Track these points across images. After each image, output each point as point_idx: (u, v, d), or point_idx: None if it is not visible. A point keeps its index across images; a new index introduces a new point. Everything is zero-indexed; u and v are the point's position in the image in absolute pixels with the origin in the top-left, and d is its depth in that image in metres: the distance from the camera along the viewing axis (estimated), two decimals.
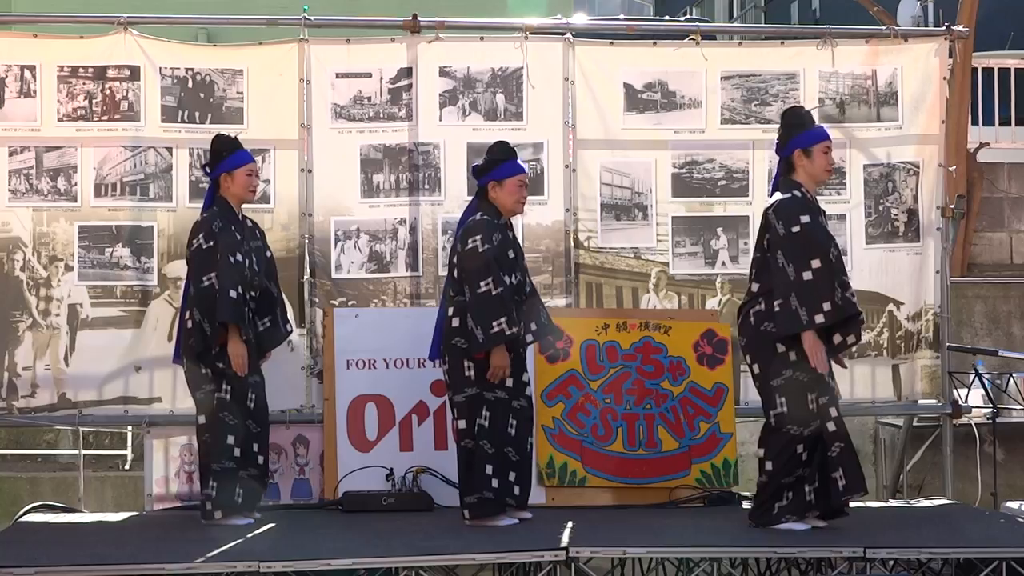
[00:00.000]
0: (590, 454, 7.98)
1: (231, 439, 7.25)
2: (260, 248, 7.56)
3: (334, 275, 8.22)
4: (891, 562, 6.52)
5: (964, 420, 8.79)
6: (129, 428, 10.06)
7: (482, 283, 7.06)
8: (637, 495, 7.97)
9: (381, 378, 7.97)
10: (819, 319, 6.71)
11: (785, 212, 6.87)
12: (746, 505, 7.95)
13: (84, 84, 8.12)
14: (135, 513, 7.93)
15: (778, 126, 7.42)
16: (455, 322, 7.18)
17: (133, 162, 8.14)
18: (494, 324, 7.02)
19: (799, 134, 7.02)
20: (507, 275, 7.14)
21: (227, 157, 7.45)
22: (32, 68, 8.11)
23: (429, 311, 8.11)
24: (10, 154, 8.10)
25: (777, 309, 6.78)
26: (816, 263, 6.75)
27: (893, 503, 8.58)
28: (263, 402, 7.44)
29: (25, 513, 8.00)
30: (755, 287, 7.02)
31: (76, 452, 9.63)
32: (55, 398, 8.06)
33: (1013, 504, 8.11)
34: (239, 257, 7.29)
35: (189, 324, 7.31)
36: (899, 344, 8.47)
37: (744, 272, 8.34)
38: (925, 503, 8.25)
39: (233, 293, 7.20)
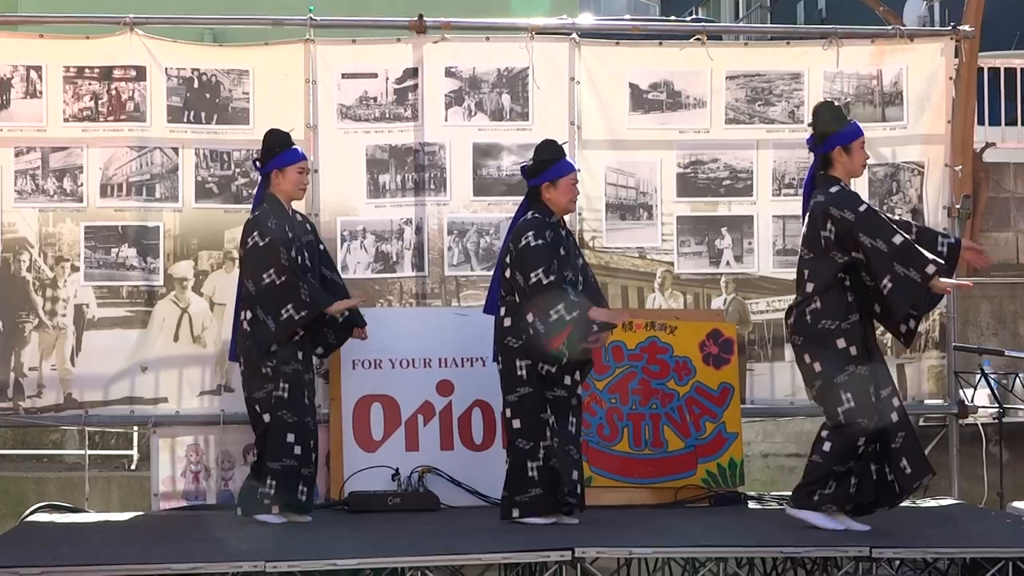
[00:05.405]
0: (596, 454, 7.96)
1: (291, 437, 7.23)
2: (312, 243, 7.56)
3: (340, 275, 8.21)
4: (897, 562, 6.53)
5: (970, 420, 8.80)
6: (135, 428, 10.06)
7: (531, 275, 6.99)
8: (643, 495, 7.97)
9: (387, 378, 7.97)
10: (931, 269, 6.68)
11: (847, 199, 6.86)
12: (752, 505, 7.97)
13: (90, 84, 8.12)
14: (141, 513, 7.93)
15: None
16: (507, 322, 7.15)
17: (139, 162, 8.14)
18: (551, 313, 6.93)
19: (838, 130, 7.00)
20: (562, 271, 7.08)
21: (279, 153, 7.43)
22: (38, 68, 8.11)
23: (434, 311, 8.14)
24: (16, 155, 8.10)
25: (889, 286, 6.72)
26: (897, 233, 6.76)
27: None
28: (314, 400, 7.46)
29: (31, 513, 8.01)
30: (810, 287, 6.90)
31: (82, 452, 9.64)
32: (61, 398, 8.06)
33: (1019, 504, 8.10)
34: (292, 254, 7.29)
35: (245, 324, 7.32)
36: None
37: (748, 272, 8.42)
38: (931, 503, 8.23)
39: (305, 286, 7.22)
